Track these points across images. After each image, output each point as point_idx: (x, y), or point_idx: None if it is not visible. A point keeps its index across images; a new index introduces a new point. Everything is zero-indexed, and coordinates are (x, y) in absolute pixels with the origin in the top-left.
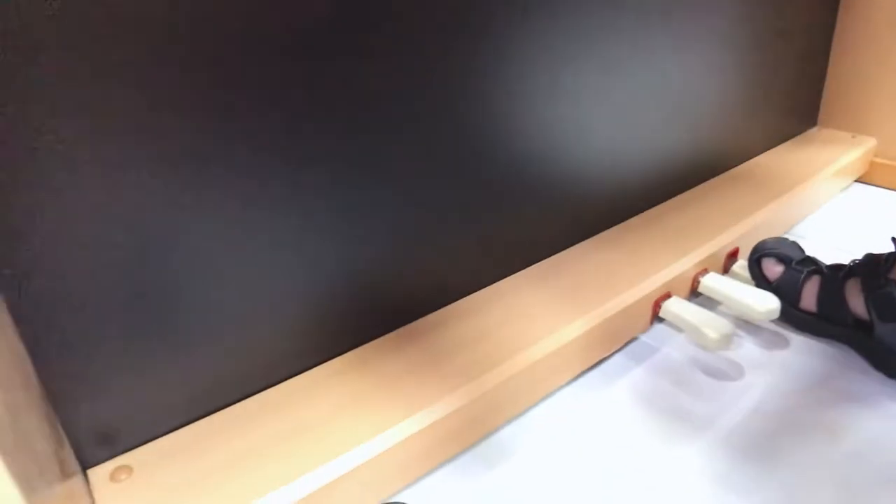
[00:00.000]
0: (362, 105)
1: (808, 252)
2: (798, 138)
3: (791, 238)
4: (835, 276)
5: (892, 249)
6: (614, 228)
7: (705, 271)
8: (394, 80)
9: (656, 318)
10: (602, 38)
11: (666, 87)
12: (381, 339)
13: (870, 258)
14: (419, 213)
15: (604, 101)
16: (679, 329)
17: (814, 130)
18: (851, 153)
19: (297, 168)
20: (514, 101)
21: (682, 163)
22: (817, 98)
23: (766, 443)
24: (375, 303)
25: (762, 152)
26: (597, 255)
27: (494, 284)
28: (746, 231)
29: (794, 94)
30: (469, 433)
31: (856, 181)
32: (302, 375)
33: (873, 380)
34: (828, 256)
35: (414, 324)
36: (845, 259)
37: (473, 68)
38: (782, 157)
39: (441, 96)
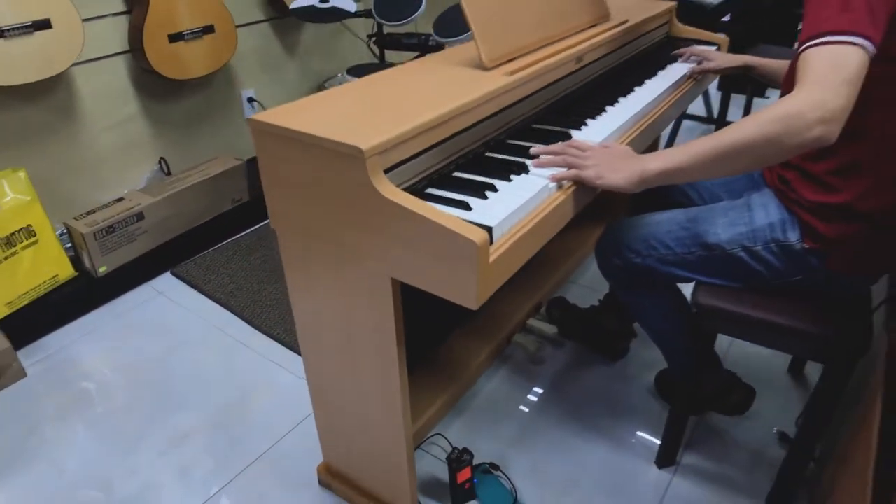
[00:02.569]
0: None
1: (574, 295)
2: None
3: (573, 284)
4: (578, 314)
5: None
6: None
7: (528, 316)
8: None
9: (509, 343)
10: None
11: None
12: None
13: (587, 310)
14: None
15: None
16: (518, 345)
17: None
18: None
19: None
20: None
21: None
22: None
23: (551, 388)
24: None
25: None
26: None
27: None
28: (546, 290)
29: None
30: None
31: None
32: None
33: (599, 361)
34: (583, 294)
35: None
36: (593, 295)
37: None
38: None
39: None
